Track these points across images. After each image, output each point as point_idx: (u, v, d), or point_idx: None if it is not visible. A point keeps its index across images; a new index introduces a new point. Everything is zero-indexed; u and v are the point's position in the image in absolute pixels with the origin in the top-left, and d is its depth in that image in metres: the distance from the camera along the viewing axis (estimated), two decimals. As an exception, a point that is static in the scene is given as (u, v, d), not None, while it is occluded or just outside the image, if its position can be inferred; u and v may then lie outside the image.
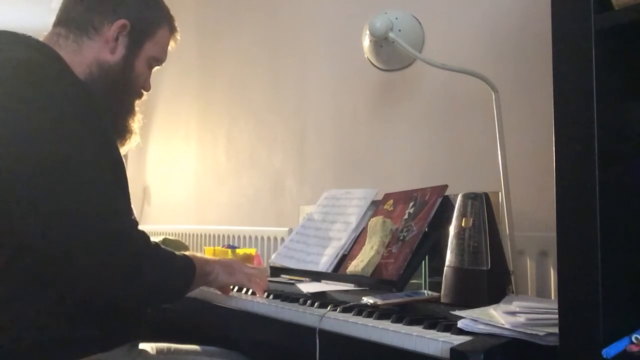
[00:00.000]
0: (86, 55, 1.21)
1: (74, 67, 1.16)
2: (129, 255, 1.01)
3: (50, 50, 1.15)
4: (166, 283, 1.10)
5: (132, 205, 1.21)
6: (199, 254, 1.27)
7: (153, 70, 1.33)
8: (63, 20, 1.23)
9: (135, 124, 1.31)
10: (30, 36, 1.15)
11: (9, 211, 0.98)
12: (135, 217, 1.23)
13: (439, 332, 0.95)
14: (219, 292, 1.36)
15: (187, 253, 1.19)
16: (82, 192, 0.99)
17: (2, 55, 1.07)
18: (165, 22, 1.31)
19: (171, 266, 1.11)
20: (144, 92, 1.33)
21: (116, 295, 1.04)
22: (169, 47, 1.34)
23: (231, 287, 1.38)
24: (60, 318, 1.03)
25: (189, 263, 1.15)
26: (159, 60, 1.32)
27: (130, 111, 1.30)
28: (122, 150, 1.28)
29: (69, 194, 0.98)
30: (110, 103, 1.22)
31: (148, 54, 1.28)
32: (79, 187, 0.99)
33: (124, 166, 1.17)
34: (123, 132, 1.28)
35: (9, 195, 0.97)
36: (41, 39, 1.20)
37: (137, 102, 1.32)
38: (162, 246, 1.10)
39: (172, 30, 1.33)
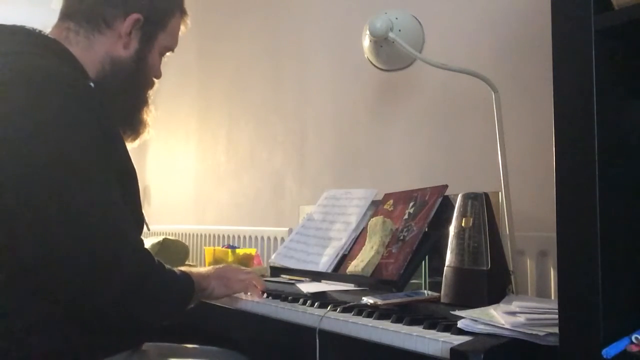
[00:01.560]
0: (98, 51, 1.18)
1: (85, 64, 1.14)
2: (132, 276, 1.00)
3: (67, 54, 1.12)
4: (167, 303, 1.09)
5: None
6: (194, 269, 1.26)
7: (164, 57, 1.31)
8: (71, 13, 1.19)
9: (149, 116, 1.29)
10: (45, 35, 1.13)
11: (12, 227, 0.96)
12: (146, 223, 1.23)
13: (439, 332, 0.95)
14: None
15: (183, 268, 1.18)
16: (87, 211, 0.97)
17: (22, 58, 1.04)
18: (177, 10, 1.27)
19: (172, 288, 1.10)
20: (155, 81, 1.31)
21: (116, 314, 1.02)
22: (180, 33, 1.31)
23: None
24: (65, 326, 1.02)
25: (189, 282, 1.14)
26: (170, 48, 1.29)
27: (144, 103, 1.28)
28: (136, 143, 1.27)
29: (74, 213, 0.96)
30: (125, 98, 1.21)
31: (161, 45, 1.25)
32: (84, 205, 0.97)
33: (134, 175, 1.15)
34: (138, 125, 1.26)
35: (13, 211, 0.96)
36: (48, 32, 1.16)
37: (150, 93, 1.30)
38: (166, 266, 1.09)
39: (183, 14, 1.30)
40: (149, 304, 1.05)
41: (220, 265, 1.38)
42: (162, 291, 1.07)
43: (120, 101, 1.19)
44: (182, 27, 1.31)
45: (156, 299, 1.05)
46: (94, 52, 1.18)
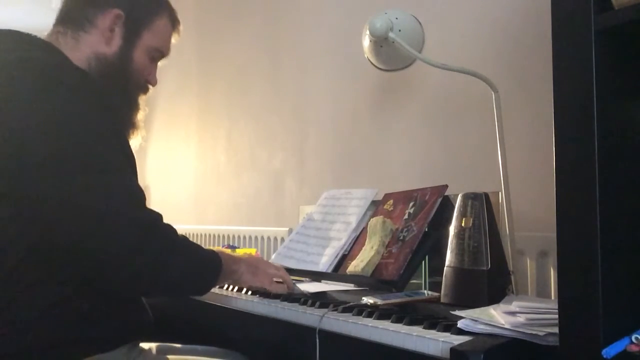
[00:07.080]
0: (84, 50, 1.21)
1: (74, 62, 1.16)
2: (158, 246, 1.03)
3: (54, 49, 1.15)
4: (193, 276, 1.11)
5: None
6: (227, 250, 1.28)
7: (158, 64, 1.32)
8: (61, 18, 1.24)
9: (140, 118, 1.30)
10: (34, 35, 1.15)
11: (34, 206, 0.99)
12: None
13: (439, 332, 0.95)
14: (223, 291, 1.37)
15: (214, 248, 1.20)
16: (110, 185, 1.01)
17: (11, 55, 1.07)
18: (163, 11, 1.29)
19: (199, 260, 1.12)
20: (150, 87, 1.32)
21: (143, 286, 1.06)
22: (172, 40, 1.33)
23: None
24: (62, 319, 1.03)
25: (216, 258, 1.16)
26: (160, 51, 1.30)
27: (133, 105, 1.29)
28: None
29: (97, 187, 0.99)
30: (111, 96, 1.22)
31: (147, 44, 1.26)
32: (106, 180, 1.01)
33: (135, 161, 1.18)
34: (127, 126, 1.28)
35: (37, 192, 0.98)
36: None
37: (143, 98, 1.31)
38: (191, 241, 1.12)
39: (173, 21, 1.32)
40: (175, 274, 1.06)
41: (253, 254, 1.40)
42: (188, 262, 1.09)
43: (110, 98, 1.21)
44: (175, 35, 1.33)
45: (182, 270, 1.07)
46: (81, 51, 1.20)
